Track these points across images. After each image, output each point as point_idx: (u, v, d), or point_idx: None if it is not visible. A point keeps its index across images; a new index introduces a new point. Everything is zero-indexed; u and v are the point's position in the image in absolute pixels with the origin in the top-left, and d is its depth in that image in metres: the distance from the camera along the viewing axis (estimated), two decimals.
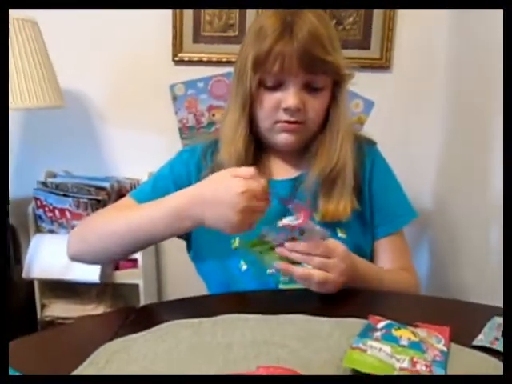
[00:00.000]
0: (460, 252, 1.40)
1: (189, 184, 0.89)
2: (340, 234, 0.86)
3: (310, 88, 0.83)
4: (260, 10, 1.49)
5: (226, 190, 0.68)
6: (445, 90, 1.58)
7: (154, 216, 0.74)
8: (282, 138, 0.86)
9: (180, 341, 0.62)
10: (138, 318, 0.70)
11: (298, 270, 0.72)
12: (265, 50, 0.79)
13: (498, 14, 1.07)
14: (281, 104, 0.83)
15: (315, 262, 0.71)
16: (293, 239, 0.72)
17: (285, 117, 0.83)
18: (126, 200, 0.91)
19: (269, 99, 0.83)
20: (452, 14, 1.54)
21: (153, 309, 0.75)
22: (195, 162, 0.91)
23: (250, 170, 0.70)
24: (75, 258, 0.85)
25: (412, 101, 1.64)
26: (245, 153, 0.86)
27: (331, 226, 0.84)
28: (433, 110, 1.62)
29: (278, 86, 0.83)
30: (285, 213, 0.82)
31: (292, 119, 0.83)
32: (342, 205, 0.84)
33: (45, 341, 0.65)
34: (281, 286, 0.85)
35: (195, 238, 0.92)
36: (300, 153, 0.91)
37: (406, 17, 1.58)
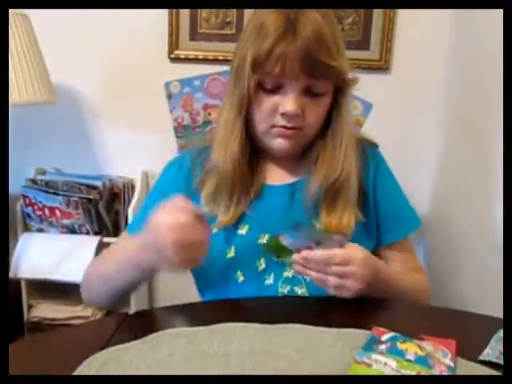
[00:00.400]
0: (459, 258, 1.38)
1: None
2: None
3: (310, 93, 0.79)
4: None
5: (155, 227, 0.66)
6: (444, 92, 1.57)
7: (119, 265, 0.76)
8: (278, 143, 0.82)
9: (174, 351, 0.59)
10: (131, 325, 0.67)
11: (314, 274, 0.70)
12: (266, 50, 0.74)
13: (500, 16, 1.05)
14: (278, 108, 0.79)
15: (332, 271, 0.69)
16: (309, 247, 0.70)
17: (282, 122, 0.79)
18: (123, 234, 0.92)
19: (266, 102, 0.79)
20: (452, 14, 1.52)
21: (146, 315, 0.71)
22: (184, 176, 0.88)
23: (177, 203, 0.67)
24: (89, 303, 0.90)
25: (411, 103, 1.62)
26: (241, 155, 0.82)
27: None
28: (432, 112, 1.61)
29: (276, 89, 0.78)
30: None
31: (289, 125, 0.79)
32: (345, 219, 0.81)
33: (31, 350, 0.62)
34: None
35: None
36: (298, 158, 0.87)
37: (405, 18, 1.56)
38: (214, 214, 0.83)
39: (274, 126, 0.80)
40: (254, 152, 0.86)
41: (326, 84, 0.79)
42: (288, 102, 0.77)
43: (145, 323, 0.67)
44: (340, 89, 0.81)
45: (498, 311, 0.69)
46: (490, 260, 1.19)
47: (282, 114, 0.78)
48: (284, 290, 0.81)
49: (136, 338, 0.61)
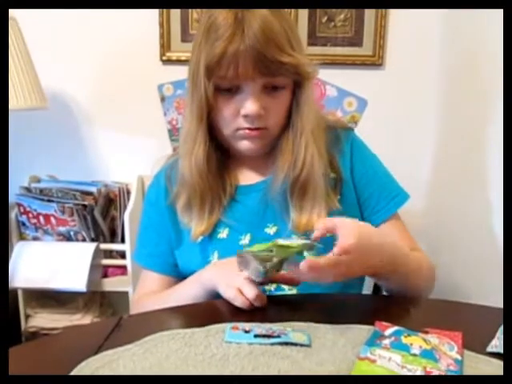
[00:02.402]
0: (459, 252, 1.37)
1: (163, 223, 0.87)
2: None
3: (268, 89, 0.77)
4: None
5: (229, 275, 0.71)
6: (439, 86, 1.56)
7: (190, 294, 0.77)
8: (244, 146, 0.81)
9: (170, 353, 0.57)
10: (126, 328, 0.64)
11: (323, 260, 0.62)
12: (217, 56, 0.72)
13: (494, 12, 1.05)
14: (240, 110, 0.77)
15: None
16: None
17: (245, 124, 0.77)
18: (147, 274, 0.90)
19: (227, 105, 0.77)
20: (446, 11, 1.51)
21: (141, 318, 0.69)
22: (163, 195, 0.87)
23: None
24: None
25: (406, 98, 1.61)
26: (207, 164, 0.80)
27: None
28: (427, 107, 1.59)
29: (235, 90, 0.76)
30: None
31: (253, 126, 0.78)
32: (314, 217, 0.79)
33: (24, 355, 0.60)
34: None
35: (177, 256, 0.88)
36: (267, 154, 0.85)
37: (398, 13, 1.55)
38: (191, 226, 0.83)
39: (238, 129, 0.79)
40: (222, 154, 0.84)
41: (284, 79, 0.77)
42: (248, 104, 0.76)
43: (139, 326, 0.65)
44: (299, 84, 0.79)
45: (500, 303, 0.67)
46: (489, 253, 1.17)
47: (245, 116, 0.77)
48: (271, 287, 0.80)
49: (131, 340, 0.59)
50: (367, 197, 0.86)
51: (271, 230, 0.82)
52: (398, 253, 0.72)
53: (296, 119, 0.81)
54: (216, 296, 0.73)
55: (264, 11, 0.73)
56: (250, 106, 0.75)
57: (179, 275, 0.87)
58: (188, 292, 0.78)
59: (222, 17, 0.73)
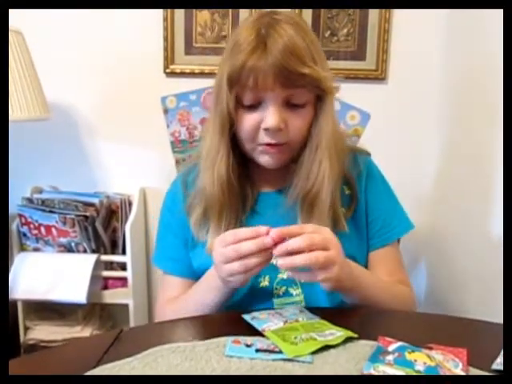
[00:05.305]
0: (460, 267, 1.36)
1: (181, 226, 0.87)
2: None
3: (290, 105, 0.77)
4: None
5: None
6: (441, 101, 1.56)
7: (206, 298, 0.78)
8: (264, 160, 0.81)
9: (170, 368, 0.56)
10: (126, 341, 0.64)
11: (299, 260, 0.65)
12: (238, 66, 0.74)
13: (493, 25, 1.05)
14: (261, 124, 0.77)
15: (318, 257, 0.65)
16: None
17: (266, 139, 0.78)
18: (168, 279, 0.91)
19: (248, 119, 0.78)
20: (448, 24, 1.52)
21: (142, 331, 0.68)
22: (181, 199, 0.88)
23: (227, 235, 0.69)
24: None
25: (408, 112, 1.61)
26: (227, 177, 0.81)
27: None
28: (429, 121, 1.59)
29: (256, 105, 0.77)
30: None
31: (273, 141, 0.78)
32: None
33: (23, 369, 0.59)
34: (274, 301, 0.81)
35: (192, 257, 0.89)
36: (287, 165, 0.85)
37: (401, 28, 1.56)
38: (204, 239, 0.83)
39: (259, 144, 0.80)
40: (245, 163, 0.85)
41: (305, 93, 0.77)
42: (269, 117, 0.76)
43: (140, 339, 0.64)
44: (320, 98, 0.79)
45: (500, 318, 0.66)
46: (490, 267, 1.16)
47: (265, 130, 0.77)
48: (279, 291, 0.80)
49: (131, 354, 0.58)
50: (372, 220, 0.87)
51: None
52: (361, 274, 0.77)
53: (314, 134, 0.81)
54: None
55: (288, 29, 0.74)
56: (270, 118, 0.76)
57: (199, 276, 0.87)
58: (204, 300, 0.78)
59: (245, 34, 0.75)
